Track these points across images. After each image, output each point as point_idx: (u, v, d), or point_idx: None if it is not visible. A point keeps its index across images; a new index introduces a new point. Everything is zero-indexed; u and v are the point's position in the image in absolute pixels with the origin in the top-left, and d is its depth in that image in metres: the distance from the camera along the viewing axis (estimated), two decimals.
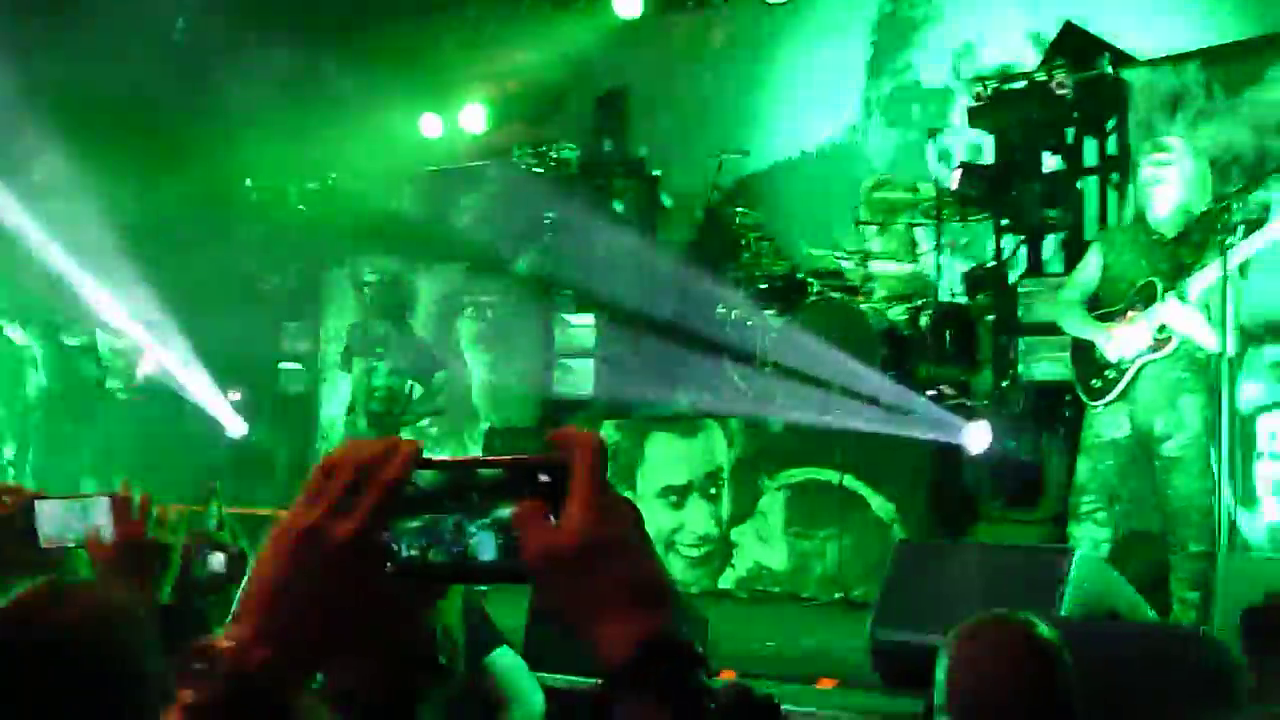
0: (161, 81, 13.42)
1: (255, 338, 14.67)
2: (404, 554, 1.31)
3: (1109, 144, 9.81)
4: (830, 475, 9.59)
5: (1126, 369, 7.37)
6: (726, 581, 10.09)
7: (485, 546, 1.31)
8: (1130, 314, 7.39)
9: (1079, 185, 9.89)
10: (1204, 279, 7.15)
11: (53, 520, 3.04)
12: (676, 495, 10.36)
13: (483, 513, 1.31)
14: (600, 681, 1.27)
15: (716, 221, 11.67)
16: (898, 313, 10.15)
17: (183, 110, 13.70)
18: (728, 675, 6.21)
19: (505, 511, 1.30)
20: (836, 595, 9.31)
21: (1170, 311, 7.21)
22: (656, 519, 10.10)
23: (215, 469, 11.86)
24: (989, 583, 5.56)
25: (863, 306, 9.96)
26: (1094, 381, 7.51)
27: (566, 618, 1.29)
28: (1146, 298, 7.34)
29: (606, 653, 1.27)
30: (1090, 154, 9.97)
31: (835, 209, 10.98)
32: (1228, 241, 6.98)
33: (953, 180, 9.76)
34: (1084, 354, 7.60)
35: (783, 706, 5.43)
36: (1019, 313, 9.52)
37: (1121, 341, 7.38)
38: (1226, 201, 7.20)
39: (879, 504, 9.50)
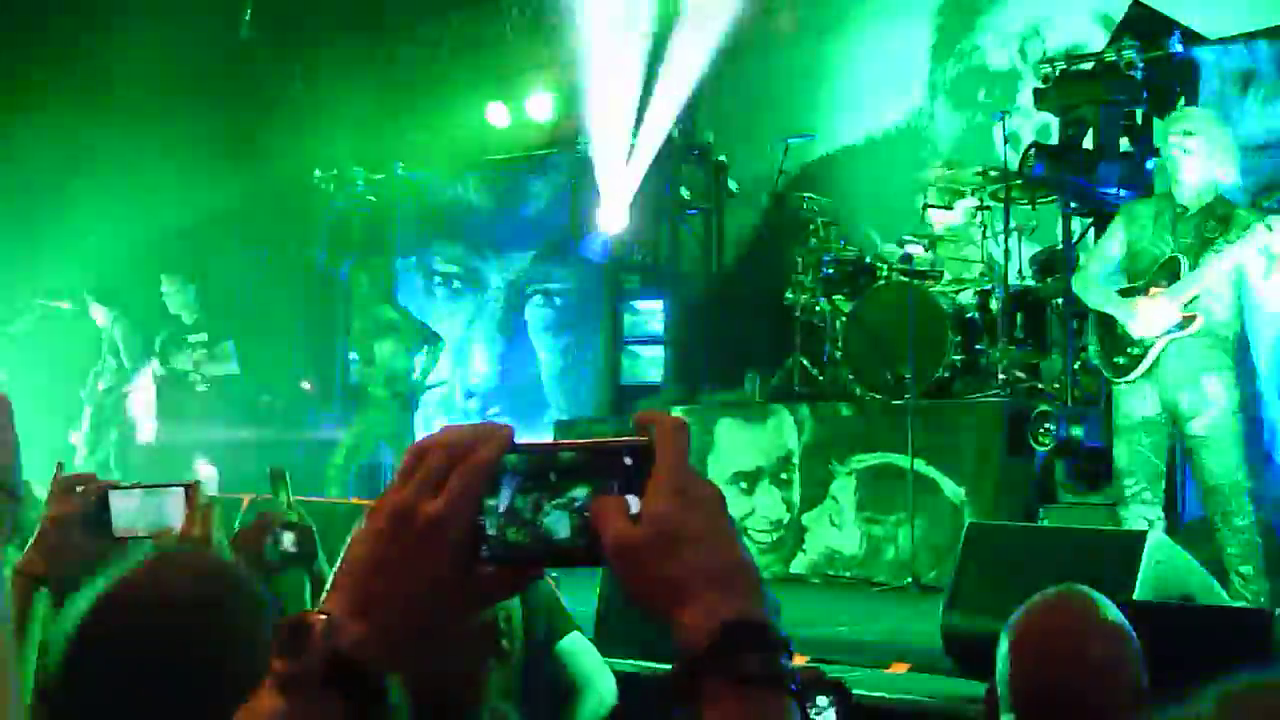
0: (229, 74, 13.55)
1: (325, 328, 14.81)
2: (490, 534, 1.32)
3: None
4: (901, 460, 9.56)
5: (1151, 345, 7.31)
6: (798, 567, 10.08)
7: (562, 527, 1.32)
8: (1154, 290, 7.33)
9: (1149, 166, 9.80)
10: (1233, 255, 7.12)
11: (126, 510, 3.05)
12: (747, 481, 10.36)
13: (562, 494, 1.32)
14: (678, 665, 1.26)
15: (783, 206, 11.66)
16: (967, 296, 10.12)
17: (251, 102, 13.82)
18: (799, 660, 6.23)
19: (584, 492, 1.31)
20: (908, 580, 9.28)
21: (1201, 280, 7.16)
22: (728, 504, 10.10)
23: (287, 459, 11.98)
24: (1061, 567, 5.53)
25: (932, 290, 9.92)
26: (1118, 358, 7.47)
27: (645, 603, 1.29)
28: (1170, 273, 7.29)
29: (688, 637, 1.26)
30: (1159, 135, 9.88)
31: (902, 193, 10.94)
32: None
33: (1020, 160, 9.69)
34: (1108, 330, 7.55)
35: (854, 691, 5.44)
36: None
37: (1146, 318, 7.32)
38: None
39: (950, 488, 9.46)
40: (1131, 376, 7.38)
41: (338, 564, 1.36)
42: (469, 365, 14.47)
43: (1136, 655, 2.68)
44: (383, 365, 12.12)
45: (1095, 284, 7.67)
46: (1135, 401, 7.42)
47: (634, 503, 1.28)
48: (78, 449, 13.00)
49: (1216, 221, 7.26)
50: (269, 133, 13.73)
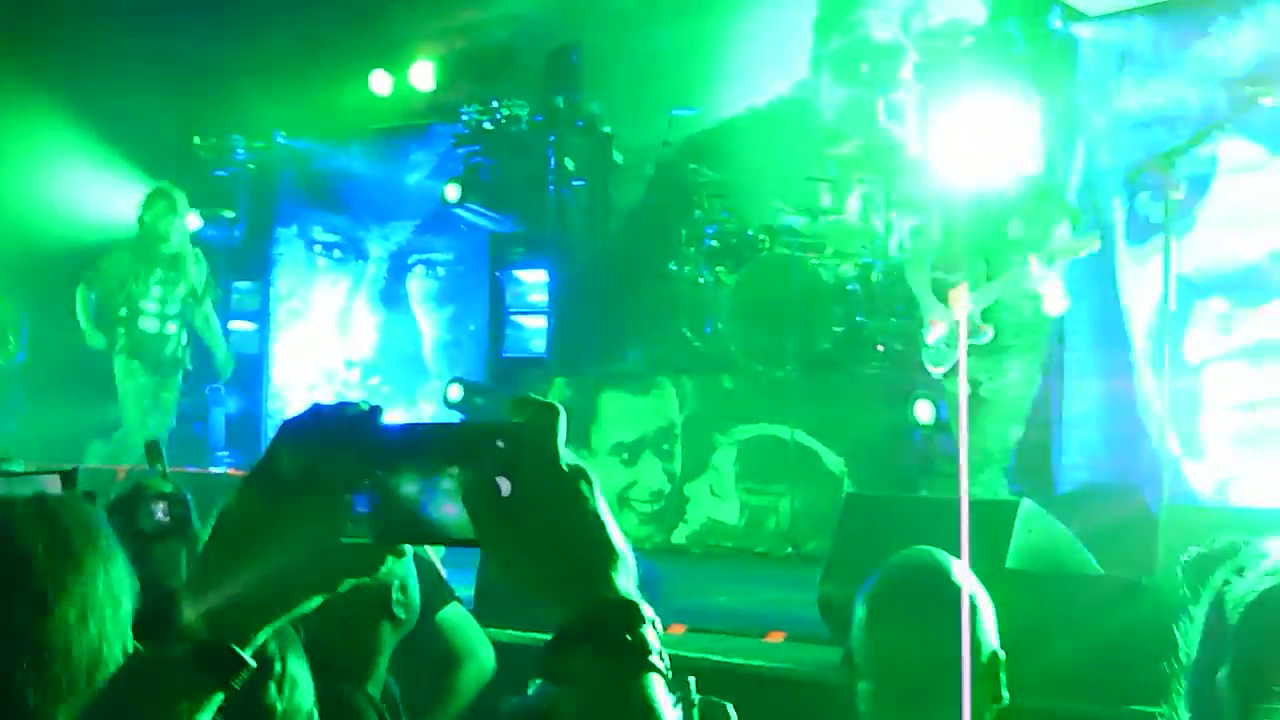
0: (109, 34, 13.29)
1: None
2: (359, 512, 1.34)
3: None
4: (782, 431, 9.63)
5: (954, 349, 7.50)
6: (679, 537, 10.14)
7: (438, 509, 1.34)
8: (958, 293, 7.48)
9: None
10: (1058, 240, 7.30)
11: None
12: (629, 452, 10.39)
13: (437, 476, 1.34)
14: (550, 640, 1.31)
15: (668, 178, 11.68)
16: (849, 269, 10.19)
17: (129, 64, 13.56)
18: (678, 629, 6.26)
19: (457, 473, 1.33)
20: (789, 550, 9.36)
21: (1000, 290, 7.33)
22: (609, 475, 10.14)
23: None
24: (938, 536, 5.60)
25: (814, 263, 9.98)
26: (933, 345, 7.67)
27: (515, 581, 1.34)
28: (975, 278, 7.45)
29: (555, 614, 1.32)
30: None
31: (787, 166, 10.99)
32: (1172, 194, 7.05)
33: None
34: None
35: (732, 660, 5.47)
36: None
37: (952, 322, 7.51)
38: (1171, 155, 7.25)
39: (830, 459, 9.55)
40: (943, 370, 7.56)
41: (205, 539, 1.38)
42: (350, 336, 14.36)
43: (986, 617, 2.71)
44: None
45: (920, 278, 7.84)
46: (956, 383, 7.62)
47: (505, 485, 1.31)
48: None
49: (1021, 219, 7.42)
50: (147, 96, 13.48)
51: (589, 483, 1.34)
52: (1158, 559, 5.79)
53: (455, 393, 11.58)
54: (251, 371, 14.37)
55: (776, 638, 6.26)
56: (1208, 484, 8.80)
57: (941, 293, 7.64)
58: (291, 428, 1.37)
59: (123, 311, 11.76)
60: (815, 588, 6.09)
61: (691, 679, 2.17)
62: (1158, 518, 6.60)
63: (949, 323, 7.53)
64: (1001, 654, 2.70)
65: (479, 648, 4.51)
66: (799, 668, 5.62)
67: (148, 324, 11.80)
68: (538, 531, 1.31)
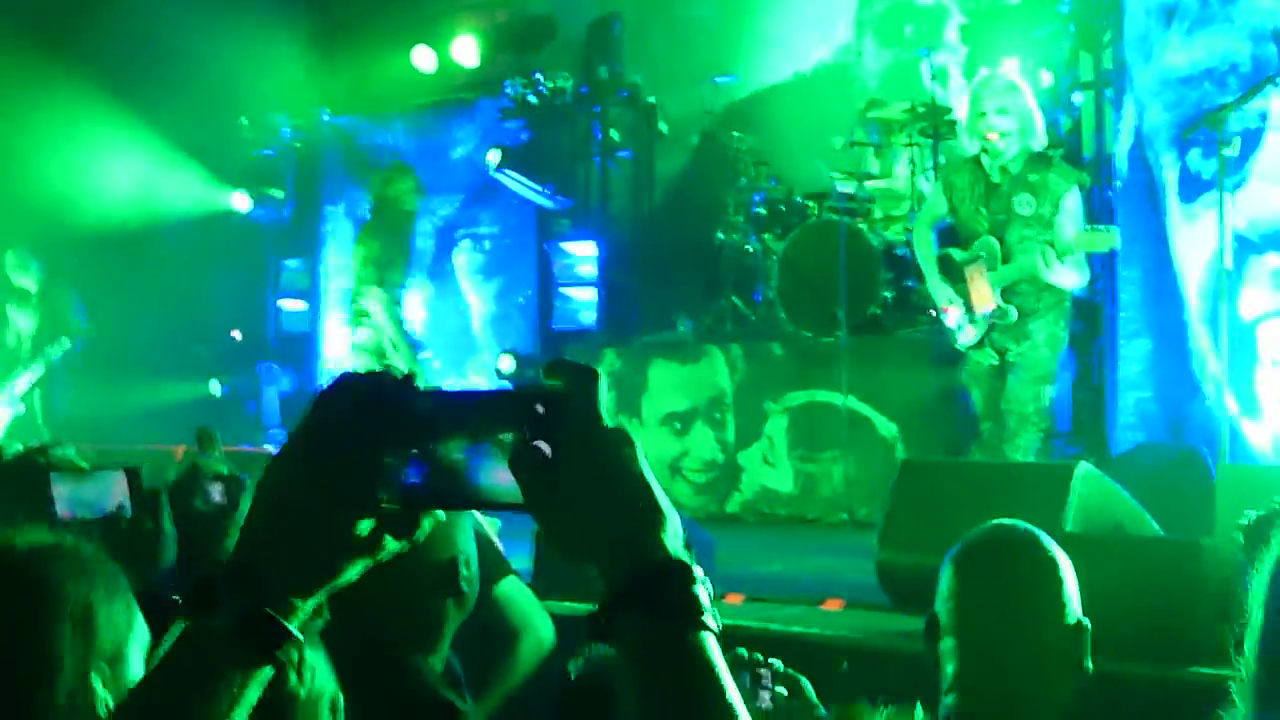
0: (152, 18, 13.35)
1: (254, 277, 14.70)
2: (404, 480, 1.35)
3: (1105, 58, 9.76)
4: (833, 397, 9.61)
5: (981, 324, 7.45)
6: (733, 506, 10.14)
7: (482, 474, 1.35)
8: (977, 271, 7.43)
9: (1077, 100, 9.86)
10: (1067, 212, 7.23)
11: (66, 494, 3.02)
12: (681, 422, 10.38)
13: (480, 441, 1.34)
14: (601, 602, 1.32)
15: (713, 147, 11.65)
16: (896, 232, 10.14)
17: (176, 47, 13.62)
18: (735, 599, 6.26)
19: (501, 439, 1.33)
20: (843, 516, 9.35)
21: (1040, 268, 7.26)
22: (661, 446, 10.14)
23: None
24: (992, 500, 5.58)
25: (861, 226, 9.94)
26: (949, 330, 7.63)
27: (562, 546, 1.34)
28: (990, 257, 7.38)
29: (604, 577, 1.32)
30: (1086, 69, 9.93)
31: (831, 131, 10.94)
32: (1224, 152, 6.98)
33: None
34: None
35: (792, 629, 5.47)
36: None
37: (974, 302, 7.46)
38: (1222, 112, 7.17)
39: (882, 424, 9.52)
40: (970, 343, 7.52)
41: (245, 513, 1.38)
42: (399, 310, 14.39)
43: (1071, 587, 2.72)
44: None
45: (929, 258, 7.79)
46: (980, 353, 7.56)
47: (546, 449, 1.31)
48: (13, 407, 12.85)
49: (1028, 192, 7.32)
50: (194, 79, 13.54)
51: (631, 445, 1.34)
52: (1216, 520, 5.76)
53: (507, 364, 11.60)
54: (303, 349, 14.47)
55: (834, 605, 6.25)
56: (1265, 443, 8.72)
57: (952, 271, 7.58)
58: (326, 396, 1.38)
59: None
60: (871, 554, 6.08)
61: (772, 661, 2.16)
62: (1215, 478, 6.56)
63: (961, 307, 7.49)
64: (1087, 623, 2.70)
65: (536, 621, 4.51)
66: (858, 635, 5.61)
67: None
68: (583, 495, 1.32)
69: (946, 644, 2.70)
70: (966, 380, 7.74)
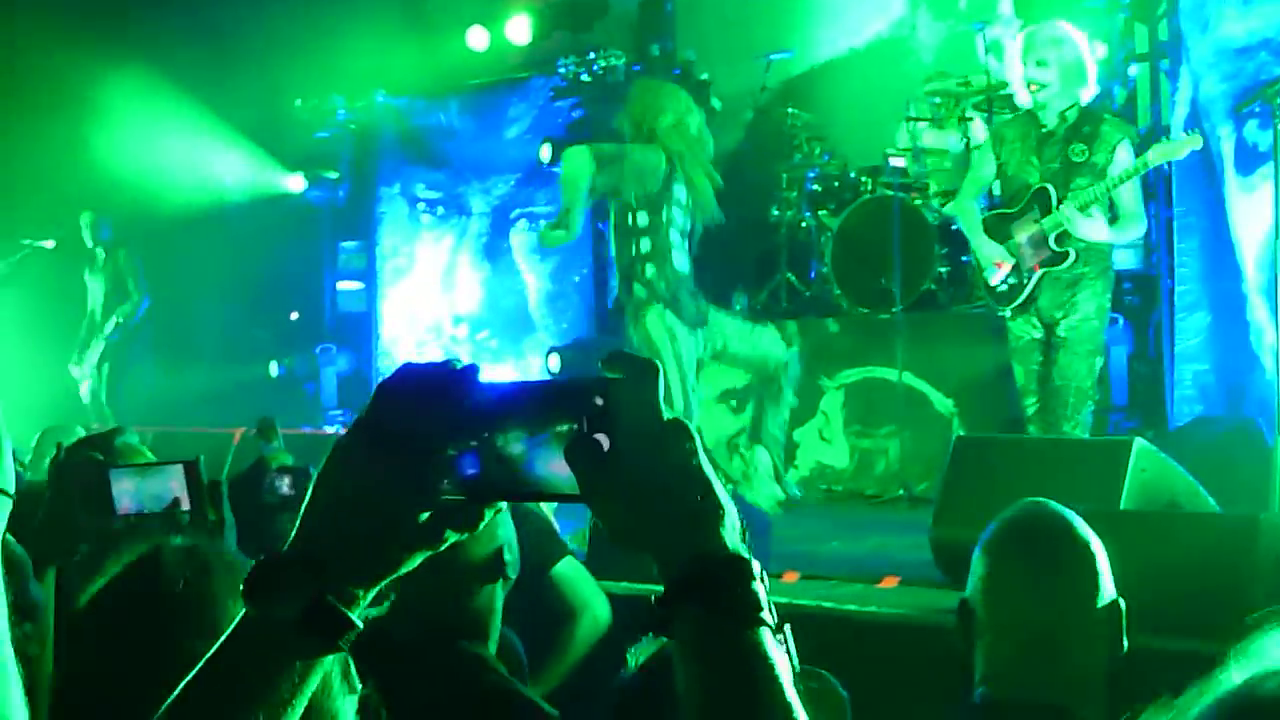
0: (213, 5, 13.46)
1: (311, 259, 14.78)
2: (466, 472, 1.36)
3: (1160, 29, 9.67)
4: (889, 373, 9.59)
5: (1028, 280, 7.37)
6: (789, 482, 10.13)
7: (540, 465, 1.35)
8: (1025, 222, 7.36)
9: (1132, 72, 9.78)
10: (1119, 164, 7.16)
11: (127, 488, 3.03)
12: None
13: (538, 433, 1.35)
14: (659, 595, 1.33)
15: (766, 123, 11.62)
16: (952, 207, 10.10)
17: (232, 30, 13.71)
18: (791, 577, 6.27)
19: (560, 431, 1.33)
20: (899, 492, 9.34)
21: (1068, 222, 7.18)
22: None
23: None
24: (1049, 477, 5.56)
25: (917, 202, 9.91)
26: (999, 286, 7.54)
27: (621, 538, 1.35)
28: (1042, 205, 7.31)
29: (661, 569, 1.33)
30: (1141, 40, 9.84)
31: (886, 106, 10.89)
32: None
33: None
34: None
35: (849, 607, 5.47)
36: None
37: (1020, 256, 7.39)
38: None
39: (939, 400, 9.50)
40: (1014, 304, 7.45)
41: (305, 504, 1.38)
42: (455, 292, 14.45)
43: (1103, 567, 2.71)
44: None
45: (970, 214, 7.74)
46: (1023, 324, 7.50)
47: (604, 441, 1.31)
48: (82, 383, 12.99)
49: (1082, 142, 7.26)
50: (247, 61, 13.63)
51: (690, 438, 1.34)
52: (1275, 494, 5.72)
53: (555, 363, 11.61)
54: (361, 330, 14.55)
55: (891, 583, 6.24)
56: None
57: (999, 230, 7.52)
58: (387, 387, 1.38)
59: None
60: (927, 531, 6.07)
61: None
62: (1273, 451, 6.51)
63: (1013, 259, 7.43)
64: (1122, 603, 2.70)
65: (593, 601, 4.55)
66: (914, 613, 5.60)
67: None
68: (641, 487, 1.32)
69: (979, 628, 2.71)
70: (1010, 355, 7.69)
